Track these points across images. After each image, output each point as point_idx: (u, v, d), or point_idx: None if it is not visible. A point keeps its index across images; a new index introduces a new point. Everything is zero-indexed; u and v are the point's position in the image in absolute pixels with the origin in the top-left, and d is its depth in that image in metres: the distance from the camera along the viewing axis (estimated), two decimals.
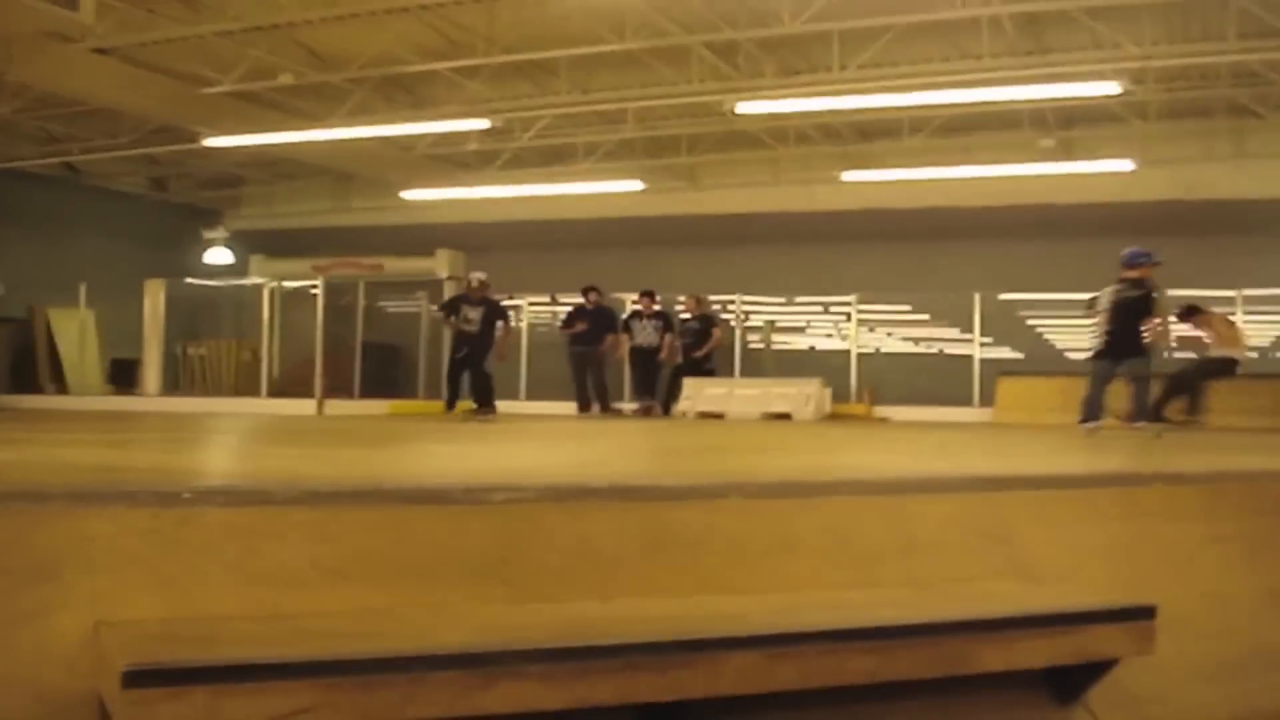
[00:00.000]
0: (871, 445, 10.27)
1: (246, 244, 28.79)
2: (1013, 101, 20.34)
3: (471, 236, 26.46)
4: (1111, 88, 17.79)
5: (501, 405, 22.53)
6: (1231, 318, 15.56)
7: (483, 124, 21.05)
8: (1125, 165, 21.23)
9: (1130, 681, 4.31)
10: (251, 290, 25.33)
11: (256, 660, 2.97)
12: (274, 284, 25.13)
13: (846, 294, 23.76)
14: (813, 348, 25.04)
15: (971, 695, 3.97)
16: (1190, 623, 4.81)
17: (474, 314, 17.37)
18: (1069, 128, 22.51)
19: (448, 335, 18.94)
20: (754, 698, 3.50)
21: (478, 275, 17.84)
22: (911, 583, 4.40)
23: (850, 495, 4.75)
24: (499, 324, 17.52)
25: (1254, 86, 19.71)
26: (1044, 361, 22.44)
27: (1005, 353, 23.08)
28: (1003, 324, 23.02)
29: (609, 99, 20.99)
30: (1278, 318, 22.00)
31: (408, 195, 25.72)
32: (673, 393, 21.18)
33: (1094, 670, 4.11)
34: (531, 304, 25.64)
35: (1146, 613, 4.04)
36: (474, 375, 17.61)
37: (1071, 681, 4.14)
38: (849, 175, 23.10)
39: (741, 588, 4.14)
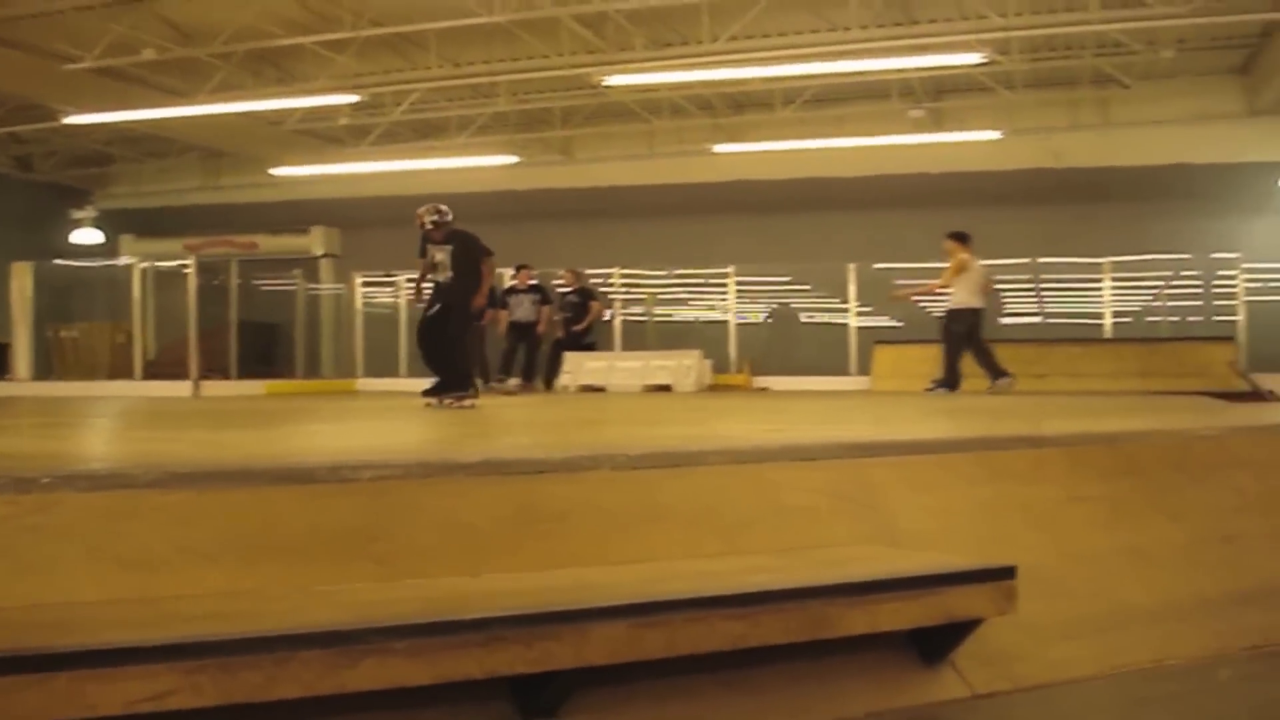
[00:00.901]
0: (746, 415, 10.35)
1: (116, 223, 28.21)
2: (882, 72, 20.57)
3: (346, 213, 26.17)
4: (975, 57, 18.07)
5: (380, 383, 22.41)
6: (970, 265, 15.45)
7: (351, 98, 20.83)
8: (993, 135, 21.58)
9: (995, 640, 4.40)
10: (123, 271, 24.83)
11: (117, 645, 2.93)
12: (145, 264, 24.66)
13: (724, 266, 23.86)
14: (694, 320, 25.13)
15: (839, 657, 4.04)
16: (1053, 582, 4.93)
17: (441, 255, 12.02)
18: (938, 98, 22.80)
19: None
20: (623, 666, 3.53)
21: (430, 207, 12.28)
22: (780, 549, 4.46)
23: (719, 465, 4.79)
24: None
25: (1118, 56, 20.09)
26: (921, 330, 22.75)
27: (883, 321, 23.34)
28: (879, 293, 23.28)
29: (479, 72, 20.85)
30: (1145, 283, 22.49)
31: (278, 172, 25.38)
32: (553, 367, 21.17)
33: (959, 630, 4.20)
34: (409, 280, 25.41)
35: (1007, 573, 4.13)
36: (440, 341, 12.12)
37: (937, 642, 4.22)
38: (721, 147, 23.22)
39: (611, 558, 4.16)
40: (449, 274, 11.98)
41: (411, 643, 3.13)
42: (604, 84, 19.98)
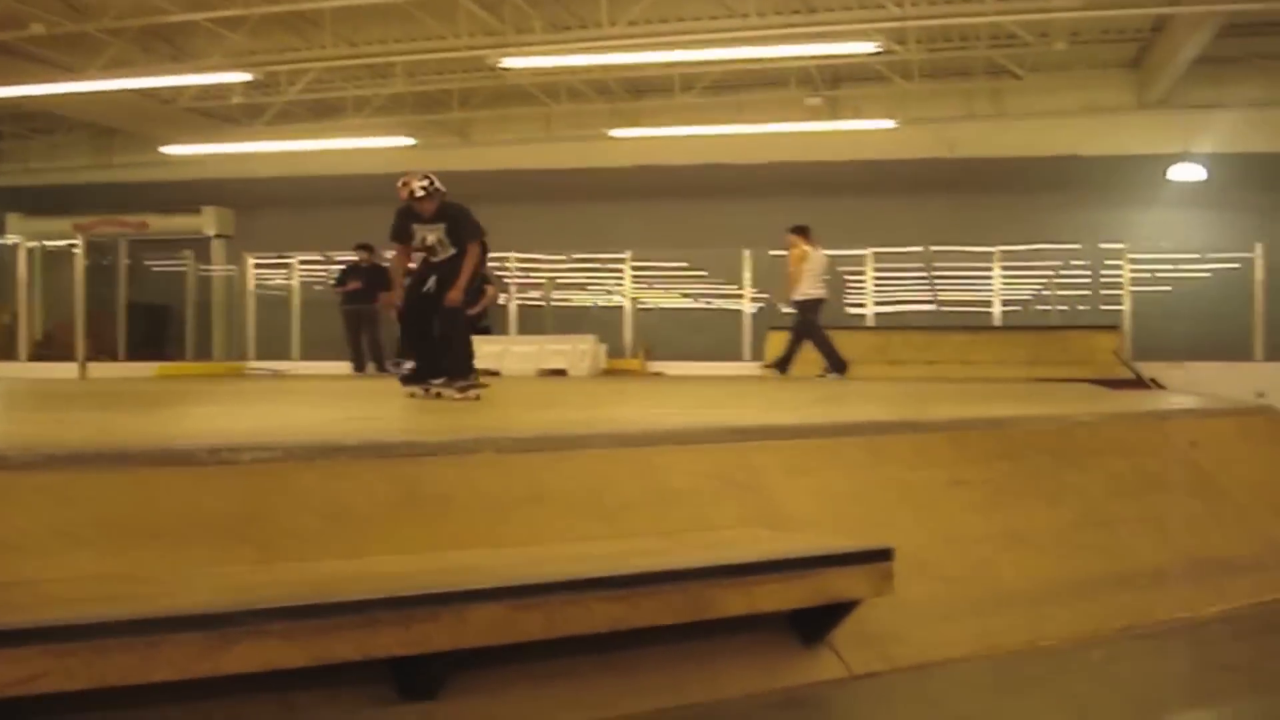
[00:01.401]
0: (637, 399, 10.40)
1: (3, 202, 27.62)
2: (781, 60, 20.66)
3: (240, 193, 25.84)
4: (871, 46, 18.24)
5: (273, 366, 22.16)
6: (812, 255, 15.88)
7: (245, 77, 20.54)
8: (888, 124, 21.80)
9: (874, 622, 4.48)
10: (9, 250, 24.33)
11: None
12: (33, 243, 24.17)
13: (621, 251, 23.87)
14: (591, 305, 25.12)
15: (719, 639, 4.08)
16: (932, 564, 5.02)
17: (434, 235, 9.85)
18: (835, 87, 22.96)
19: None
20: (504, 648, 3.55)
21: (414, 176, 9.90)
22: (663, 532, 4.50)
23: (603, 448, 4.82)
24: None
25: (1011, 48, 20.37)
26: (826, 316, 22.92)
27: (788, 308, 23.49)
28: (775, 280, 23.40)
29: (375, 52, 20.68)
30: (1035, 272, 22.85)
31: (171, 151, 24.95)
32: None
33: (837, 611, 4.26)
34: (303, 262, 25.17)
35: (884, 555, 4.20)
36: (444, 323, 10.04)
37: (816, 623, 4.29)
38: (618, 132, 23.22)
39: (493, 541, 4.17)
40: (449, 251, 9.71)
41: (287, 625, 3.12)
42: (501, 66, 19.89)
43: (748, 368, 20.87)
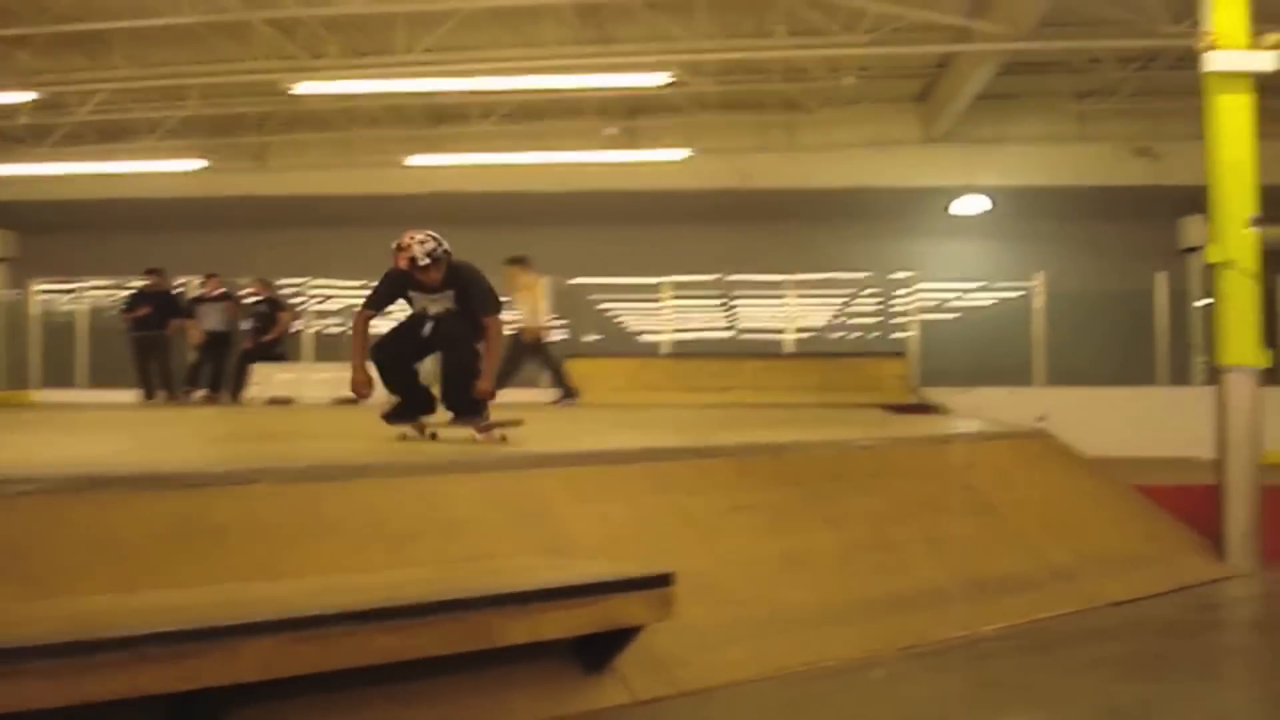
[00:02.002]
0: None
1: None
2: (578, 89, 20.79)
3: (26, 216, 24.91)
4: (663, 78, 18.51)
5: (59, 395, 21.44)
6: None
7: (31, 96, 19.91)
8: (683, 154, 22.07)
9: (658, 646, 4.52)
10: None
11: None
12: None
13: None
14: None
15: (504, 668, 4.08)
16: (716, 588, 5.09)
17: (438, 307, 8.06)
18: (633, 117, 23.17)
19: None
20: (282, 681, 3.49)
21: (424, 237, 7.95)
22: (446, 561, 4.48)
23: (387, 477, 4.78)
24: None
25: (803, 82, 20.85)
26: (617, 343, 23.08)
27: (586, 335, 23.59)
28: (575, 307, 23.48)
29: (167, 74, 20.22)
30: (827, 301, 23.32)
31: None
32: (240, 379, 20.62)
33: (620, 638, 4.29)
34: (93, 287, 24.41)
35: (665, 580, 4.24)
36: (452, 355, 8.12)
37: (600, 650, 4.31)
38: (414, 159, 23.08)
39: (271, 573, 4.11)
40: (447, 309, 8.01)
41: (49, 664, 3.03)
42: (292, 91, 19.64)
43: (550, 394, 20.89)
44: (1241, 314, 8.05)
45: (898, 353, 20.44)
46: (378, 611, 3.60)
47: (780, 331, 22.11)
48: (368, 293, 8.20)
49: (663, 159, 22.27)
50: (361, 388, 7.97)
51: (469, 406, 7.73)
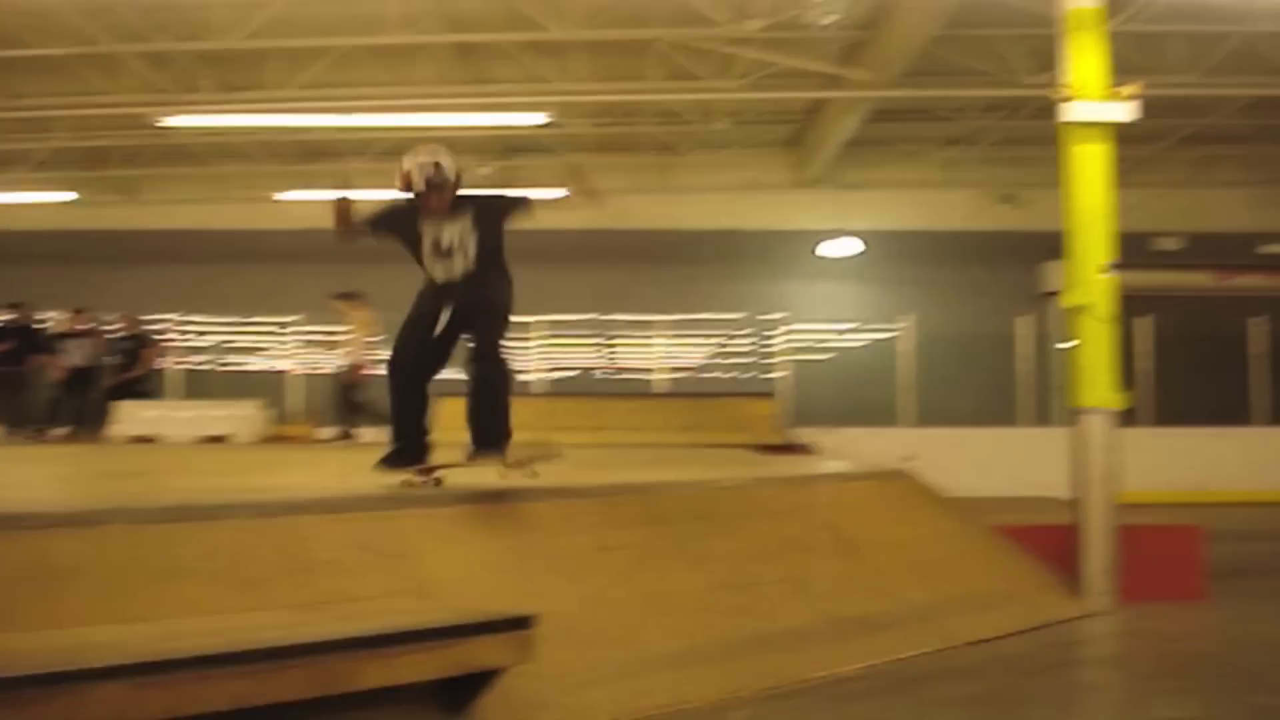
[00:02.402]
0: (294, 466, 10.20)
1: None
2: (452, 128, 20.74)
3: None
4: (538, 119, 18.60)
5: None
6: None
7: None
8: (558, 194, 22.09)
9: (519, 690, 4.49)
10: None
11: None
12: None
13: (293, 314, 23.41)
14: (262, 369, 24.48)
15: (360, 713, 4.03)
16: (578, 630, 5.08)
17: (450, 232, 6.90)
18: (508, 156, 23.18)
19: None
20: None
21: (426, 151, 7.04)
22: (305, 604, 4.42)
23: (244, 518, 4.71)
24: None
25: (677, 125, 21.05)
26: None
27: (457, 375, 23.45)
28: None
29: (36, 106, 19.82)
30: (700, 341, 23.47)
31: None
32: (103, 416, 20.20)
33: (480, 681, 4.27)
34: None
35: (525, 622, 4.23)
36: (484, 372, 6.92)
37: (459, 693, 4.28)
38: (283, 195, 22.87)
39: (122, 617, 4.02)
40: (467, 262, 6.87)
41: None
42: (163, 125, 19.38)
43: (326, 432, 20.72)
44: (1098, 357, 8.26)
45: (768, 393, 20.63)
46: (230, 656, 3.54)
47: (653, 371, 22.23)
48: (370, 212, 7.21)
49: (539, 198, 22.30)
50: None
51: (497, 434, 6.45)
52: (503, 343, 6.91)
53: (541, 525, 5.50)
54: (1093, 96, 8.43)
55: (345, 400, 16.65)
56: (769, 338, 22.47)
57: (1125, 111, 8.43)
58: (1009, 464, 15.79)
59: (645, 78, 18.43)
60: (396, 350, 7.00)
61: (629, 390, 21.91)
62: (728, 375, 23.01)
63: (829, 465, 10.36)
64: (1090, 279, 8.33)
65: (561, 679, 4.79)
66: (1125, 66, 8.95)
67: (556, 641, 4.76)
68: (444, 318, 6.85)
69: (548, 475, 6.17)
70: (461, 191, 6.94)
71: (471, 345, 6.79)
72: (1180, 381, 21.04)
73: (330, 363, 16.83)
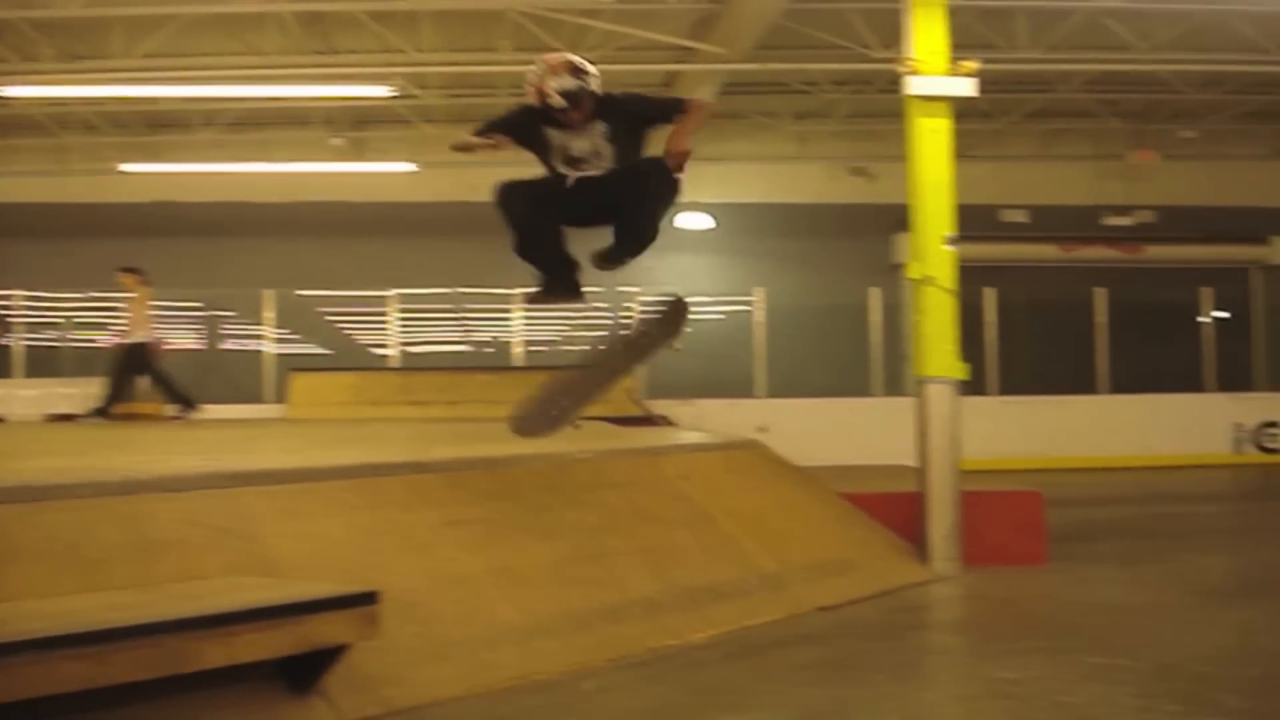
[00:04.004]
0: (139, 446, 9.98)
1: None
2: (304, 100, 20.48)
3: None
4: (385, 90, 18.45)
5: None
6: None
7: None
8: (409, 166, 21.96)
9: (368, 665, 4.49)
10: None
11: None
12: None
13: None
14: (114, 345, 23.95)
15: (206, 692, 3.99)
16: (427, 605, 5.08)
17: (587, 141, 6.38)
18: (360, 128, 22.94)
19: None
20: None
21: (553, 66, 6.34)
22: (145, 584, 4.36)
23: (84, 498, 4.62)
24: None
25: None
26: (345, 357, 22.78)
27: (312, 349, 23.20)
28: (302, 320, 23.08)
29: None
30: (551, 314, 23.46)
31: None
32: None
33: (325, 658, 4.24)
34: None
35: (369, 598, 4.22)
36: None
37: (305, 671, 4.25)
38: (130, 167, 22.38)
39: None
40: (604, 168, 6.31)
41: None
42: (1, 95, 18.84)
43: (271, 410, 20.48)
44: (940, 328, 8.43)
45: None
46: (69, 638, 3.48)
47: (509, 345, 22.20)
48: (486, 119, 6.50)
49: (390, 171, 22.14)
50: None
51: (641, 239, 6.38)
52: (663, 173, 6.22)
53: (389, 501, 5.47)
54: (935, 71, 8.58)
55: (155, 378, 16.52)
56: (624, 310, 22.52)
57: (966, 86, 8.60)
58: (862, 433, 16.04)
59: (498, 49, 18.32)
60: (510, 182, 6.41)
61: (486, 364, 21.87)
62: (584, 348, 23.02)
63: (682, 437, 10.46)
64: (933, 251, 8.50)
65: (410, 654, 4.79)
66: (971, 42, 9.14)
67: (405, 617, 4.76)
68: (573, 184, 6.29)
69: (399, 450, 6.14)
70: (600, 97, 6.25)
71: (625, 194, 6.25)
72: (1026, 351, 21.58)
73: (118, 338, 16.46)
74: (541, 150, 6.37)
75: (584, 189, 6.29)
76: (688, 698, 5.11)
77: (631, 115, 6.31)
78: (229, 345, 23.66)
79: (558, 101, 6.06)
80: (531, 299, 6.76)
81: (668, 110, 6.40)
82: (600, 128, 6.20)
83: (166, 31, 17.43)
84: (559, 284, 6.53)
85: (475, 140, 6.47)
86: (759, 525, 7.24)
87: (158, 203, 23.17)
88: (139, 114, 22.36)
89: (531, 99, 6.18)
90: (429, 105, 21.00)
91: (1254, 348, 23.96)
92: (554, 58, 6.24)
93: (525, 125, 6.35)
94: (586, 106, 6.14)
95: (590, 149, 6.24)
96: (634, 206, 6.30)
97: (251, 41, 18.24)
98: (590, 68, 6.16)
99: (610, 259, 6.43)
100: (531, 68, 6.23)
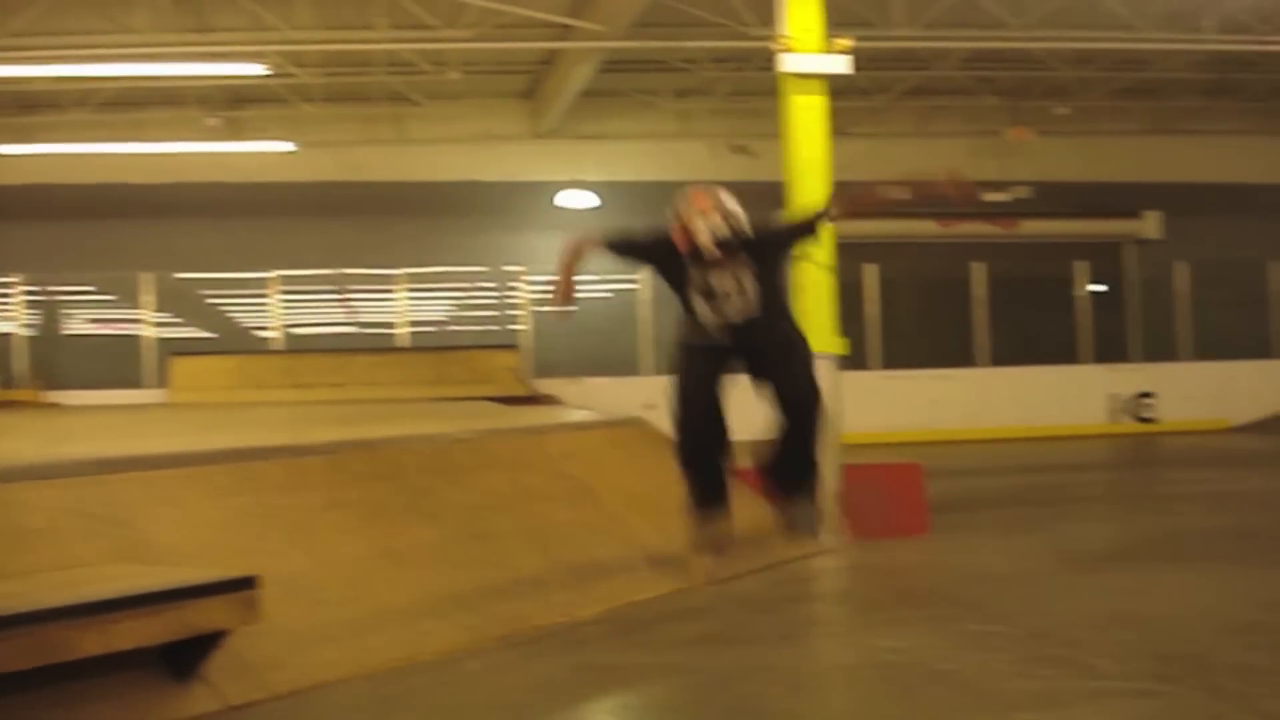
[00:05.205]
0: (8, 432, 9.78)
1: None
2: (177, 78, 20.17)
3: None
4: (259, 69, 18.21)
5: None
6: None
7: None
8: (287, 146, 21.71)
9: (251, 651, 4.45)
10: None
11: None
12: None
13: (8, 275, 22.44)
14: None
15: (86, 682, 3.93)
16: (309, 588, 5.05)
17: (727, 282, 6.14)
18: (237, 107, 22.62)
19: None
20: None
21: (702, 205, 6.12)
22: (19, 573, 4.28)
23: None
24: None
25: (409, 75, 20.81)
26: (227, 340, 22.51)
27: (194, 332, 22.89)
28: (182, 303, 22.75)
29: None
30: (441, 295, 23.38)
31: None
32: None
33: (205, 644, 4.20)
34: None
35: (248, 583, 4.19)
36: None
37: (186, 657, 4.21)
38: (3, 148, 21.88)
39: None
40: (747, 304, 6.05)
41: None
42: None
43: (151, 395, 20.18)
44: (819, 304, 8.53)
45: (510, 345, 20.71)
46: None
47: (393, 326, 22.07)
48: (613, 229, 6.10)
49: (268, 150, 21.87)
50: (564, 294, 6.32)
51: (808, 478, 5.92)
52: (814, 377, 6.09)
53: (267, 485, 5.42)
54: (809, 49, 8.66)
55: None
56: (510, 290, 22.51)
57: (841, 64, 8.69)
58: (749, 408, 16.17)
59: (373, 26, 18.17)
60: (682, 432, 6.15)
61: (370, 345, 21.74)
62: (471, 329, 23.00)
63: (567, 415, 10.47)
64: None
65: (293, 638, 4.75)
66: (848, 20, 9.23)
67: (287, 601, 4.73)
68: (720, 370, 6.09)
69: (280, 433, 6.08)
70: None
71: (777, 388, 6.06)
72: (907, 326, 21.90)
73: None
74: (678, 284, 6.09)
75: (736, 339, 6.07)
76: (574, 675, 5.13)
77: (776, 246, 6.15)
78: (108, 330, 23.27)
79: (712, 252, 5.79)
80: (692, 518, 6.22)
81: (812, 223, 6.26)
82: (745, 262, 5.93)
83: (36, 10, 17.09)
84: (714, 500, 6.14)
85: (596, 251, 6.32)
86: (645, 502, 7.28)
87: (31, 185, 22.68)
88: (9, 94, 21.86)
89: (678, 241, 5.88)
90: (306, 84, 20.80)
91: (1128, 320, 24.53)
92: (702, 198, 5.94)
93: (664, 256, 6.08)
94: (736, 248, 5.86)
95: (734, 286, 5.96)
96: (790, 443, 5.97)
97: (122, 20, 17.93)
98: (736, 205, 5.91)
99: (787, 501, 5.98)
100: (678, 208, 5.96)
